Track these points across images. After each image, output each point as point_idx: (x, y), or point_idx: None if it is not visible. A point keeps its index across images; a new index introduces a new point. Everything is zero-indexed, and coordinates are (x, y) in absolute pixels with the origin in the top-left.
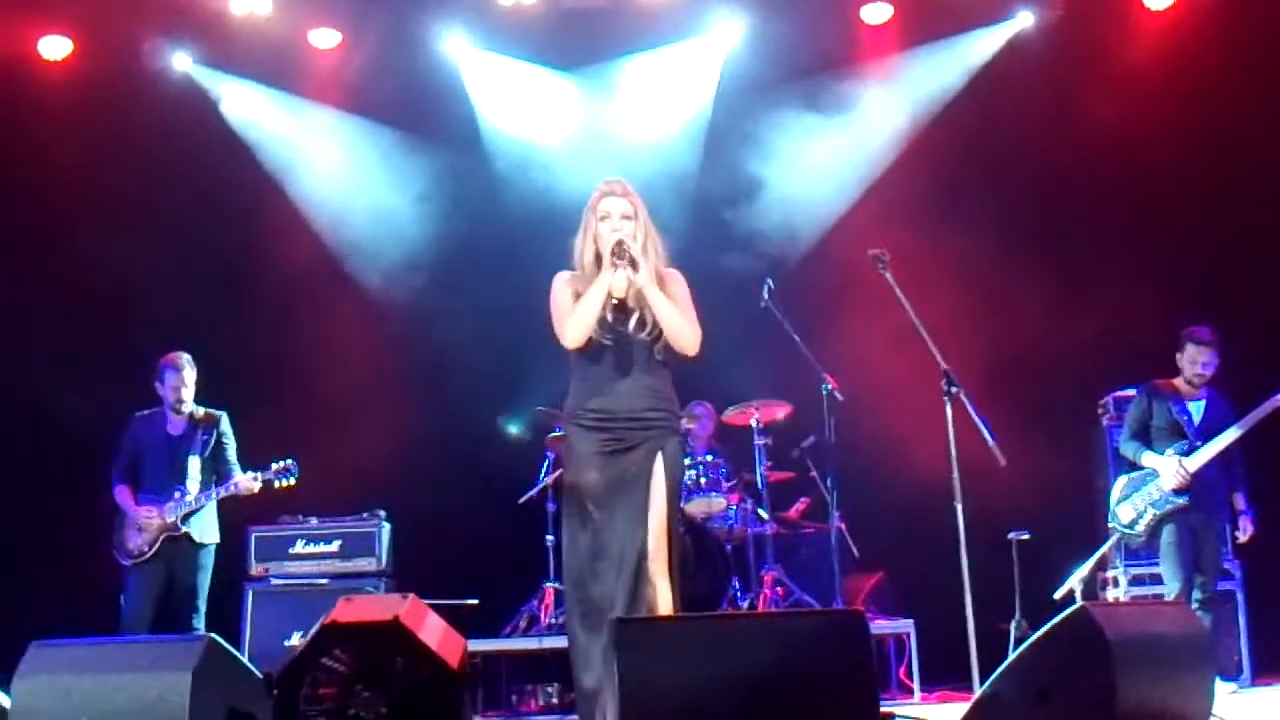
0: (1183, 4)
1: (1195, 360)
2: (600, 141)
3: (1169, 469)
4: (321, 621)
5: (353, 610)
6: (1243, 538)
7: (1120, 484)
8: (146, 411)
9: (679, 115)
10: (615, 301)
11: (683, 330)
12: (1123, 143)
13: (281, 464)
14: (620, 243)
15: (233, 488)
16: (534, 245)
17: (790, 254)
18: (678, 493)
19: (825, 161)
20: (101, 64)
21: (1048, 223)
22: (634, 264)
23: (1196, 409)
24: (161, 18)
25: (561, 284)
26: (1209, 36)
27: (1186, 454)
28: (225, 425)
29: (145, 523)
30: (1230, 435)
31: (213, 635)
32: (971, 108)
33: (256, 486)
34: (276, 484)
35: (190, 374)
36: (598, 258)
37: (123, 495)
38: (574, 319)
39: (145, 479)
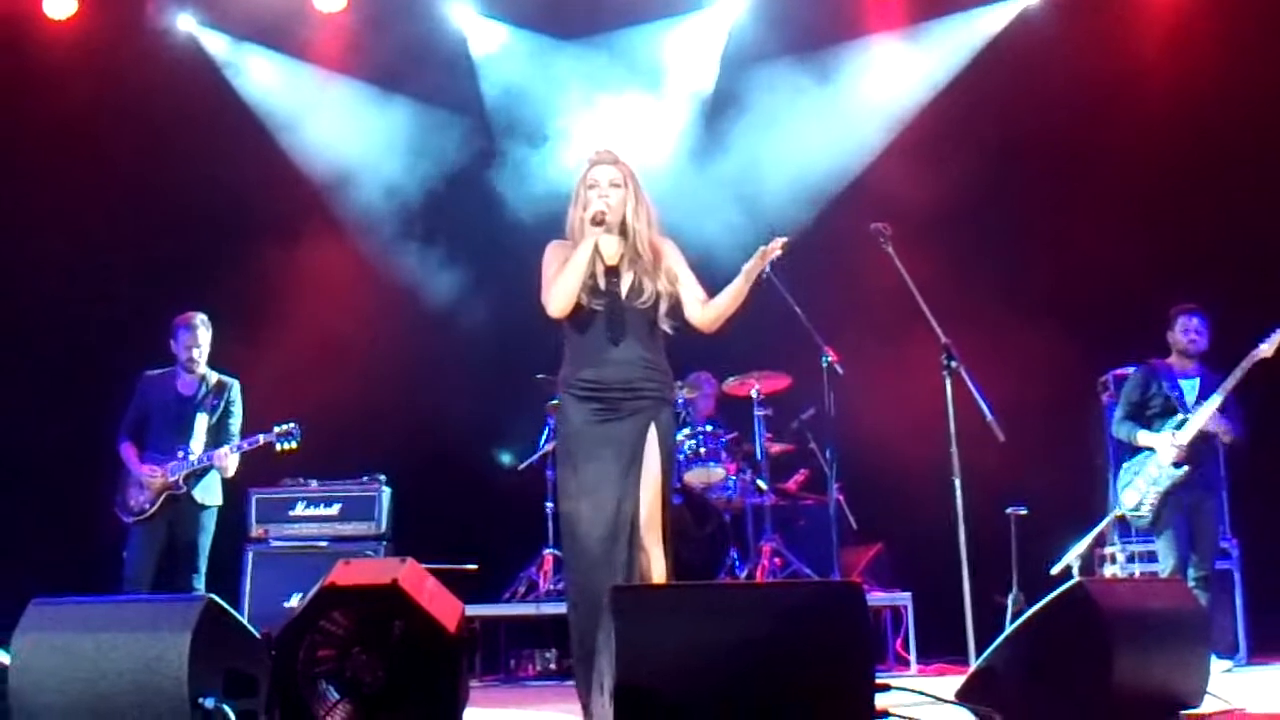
0: None
1: (1186, 328)
2: (602, 112)
3: (1164, 444)
4: (320, 584)
5: (351, 573)
6: (1225, 439)
7: (1123, 471)
8: (157, 371)
9: (682, 86)
10: (606, 267)
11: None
12: (1133, 114)
13: (284, 427)
14: (599, 211)
15: (214, 458)
16: (536, 214)
17: (793, 226)
18: (671, 463)
19: (829, 134)
20: (105, 24)
21: (1057, 194)
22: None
23: (1190, 387)
24: None
25: (552, 252)
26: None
27: (1179, 429)
28: (235, 393)
29: (148, 480)
30: (1214, 402)
31: (212, 596)
32: (980, 81)
33: (230, 464)
34: (278, 447)
35: (205, 334)
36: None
37: (127, 452)
38: (557, 286)
39: (151, 437)
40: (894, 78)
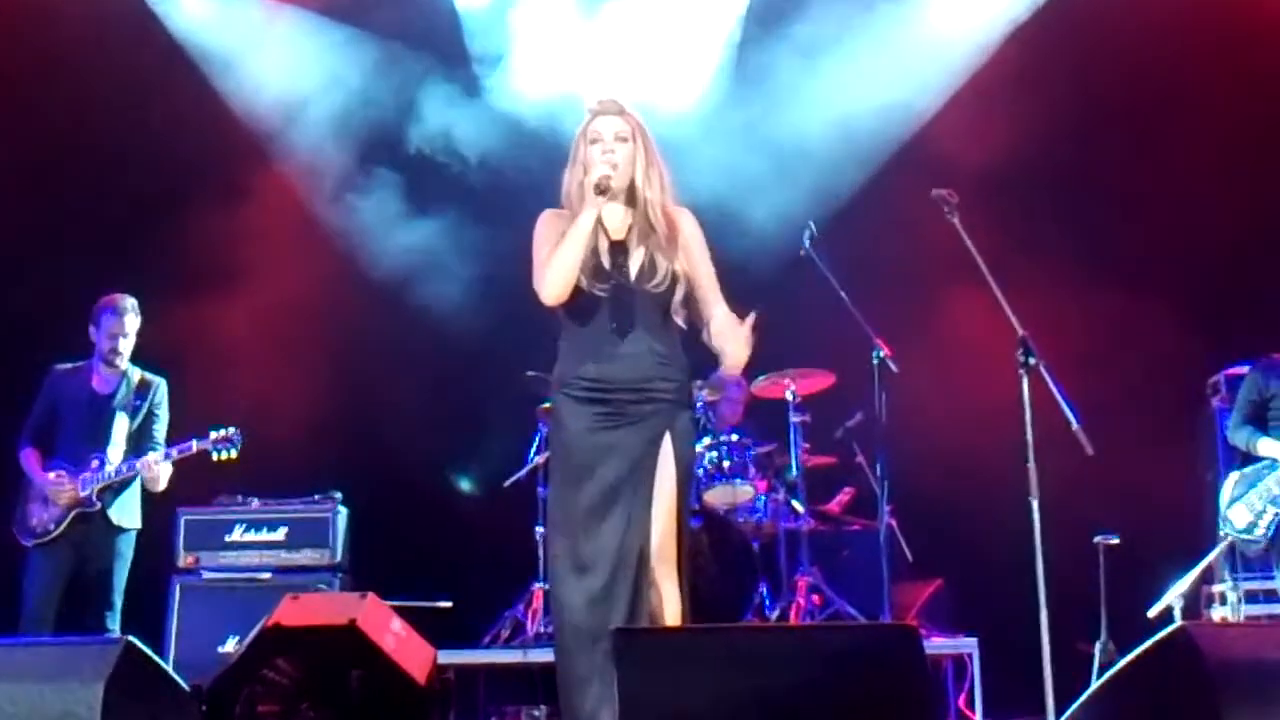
0: None
1: None
2: (608, 59)
3: None
4: (263, 624)
5: (300, 611)
6: None
7: (1231, 481)
8: (69, 365)
9: (703, 23)
10: (611, 242)
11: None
12: (1243, 58)
13: (222, 432)
14: (603, 177)
15: (137, 467)
16: (529, 180)
17: (836, 192)
18: (689, 479)
19: (880, 81)
20: None
21: (1154, 154)
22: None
23: None
24: None
25: (545, 224)
26: None
27: None
28: (162, 394)
29: (54, 492)
30: None
31: (130, 638)
32: (1060, 14)
33: (161, 473)
34: (214, 456)
35: (134, 321)
36: (586, 191)
37: (29, 460)
38: (552, 266)
39: (60, 443)
40: (960, 11)
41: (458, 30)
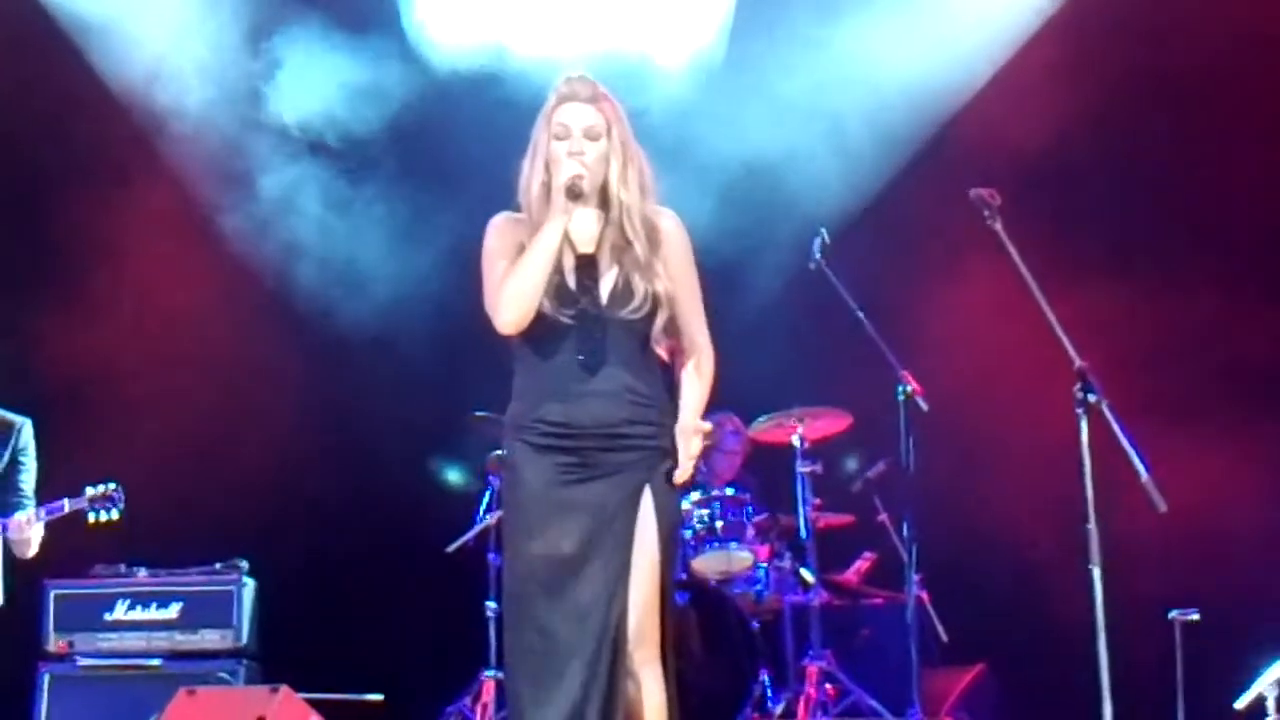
0: None
1: None
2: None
3: None
4: None
5: (197, 710)
6: None
7: None
8: None
9: (693, 12)
10: (578, 258)
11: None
12: None
13: (100, 489)
14: (575, 177)
15: (6, 530)
16: (481, 175)
17: (853, 194)
18: (674, 544)
19: (904, 59)
20: None
21: (1240, 130)
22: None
23: None
24: None
25: (499, 234)
26: None
27: None
28: (27, 438)
29: None
30: None
31: None
32: None
33: (34, 535)
34: (92, 518)
35: None
36: (550, 193)
37: None
38: (508, 291)
39: None
40: None
41: None
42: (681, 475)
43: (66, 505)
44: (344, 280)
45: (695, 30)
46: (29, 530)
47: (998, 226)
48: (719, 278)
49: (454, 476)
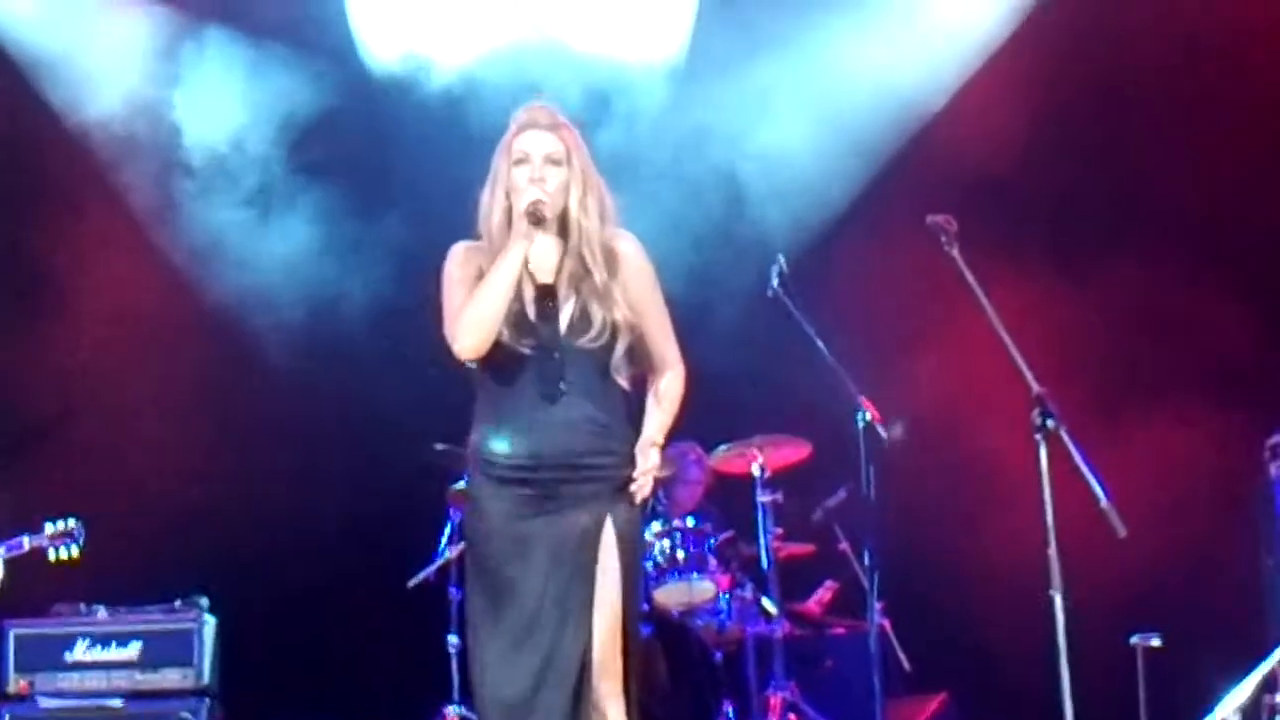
0: None
1: None
2: (533, 56)
3: None
4: None
5: None
6: None
7: None
8: None
9: (647, 14)
10: (538, 288)
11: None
12: None
13: (59, 526)
14: (536, 202)
15: None
16: (439, 205)
17: (811, 220)
18: (637, 576)
19: (866, 80)
20: None
21: (1190, 154)
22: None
23: None
24: None
25: (458, 262)
26: None
27: None
28: None
29: None
30: None
31: None
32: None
33: None
34: (51, 555)
35: None
36: (511, 220)
37: None
38: (467, 317)
39: None
40: None
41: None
42: (639, 490)
43: (26, 543)
44: (301, 318)
45: (652, 46)
46: None
47: (955, 253)
48: (677, 306)
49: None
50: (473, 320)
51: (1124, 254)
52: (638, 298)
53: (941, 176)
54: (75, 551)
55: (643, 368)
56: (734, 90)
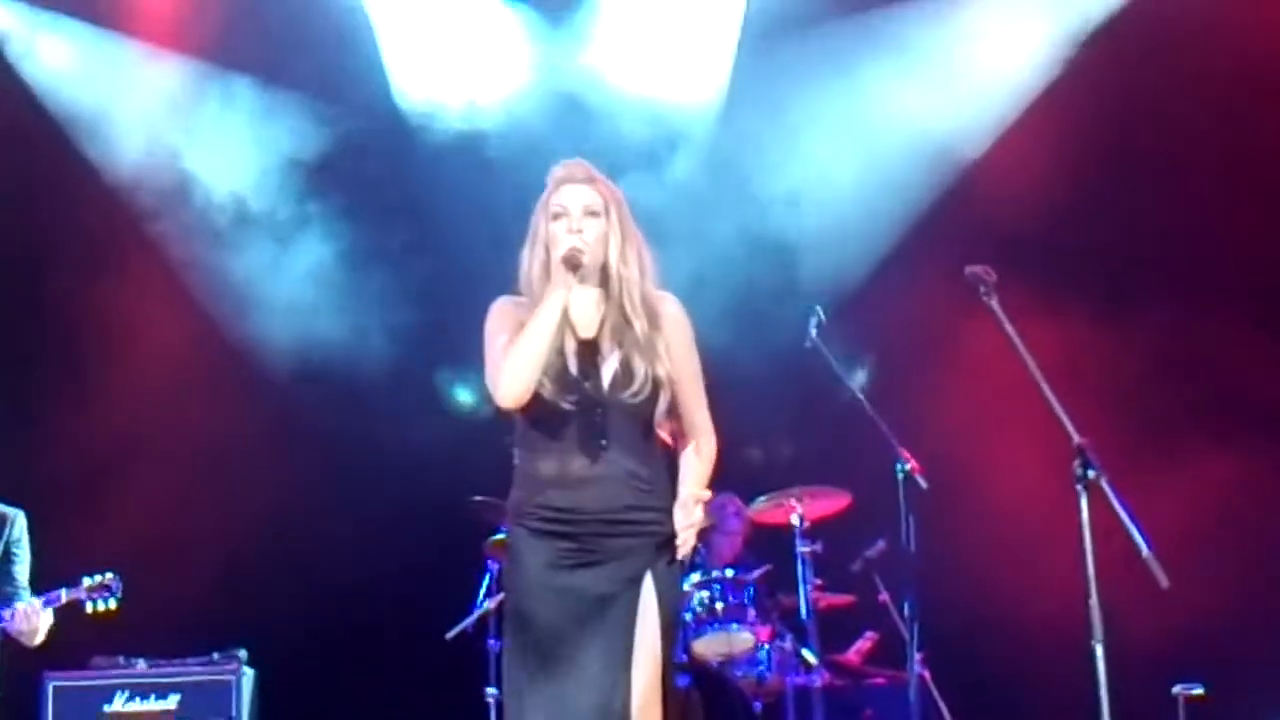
0: None
1: None
2: (570, 108)
3: None
4: None
5: None
6: None
7: None
8: None
9: (685, 67)
10: (579, 343)
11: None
12: None
13: (97, 579)
14: (574, 249)
15: (4, 622)
16: (474, 259)
17: (851, 272)
18: (676, 628)
19: (901, 131)
20: None
21: (1229, 202)
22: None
23: None
24: None
25: (499, 314)
26: None
27: None
28: (21, 529)
29: None
30: None
31: None
32: (1125, 39)
33: (41, 624)
34: (89, 608)
35: None
36: (550, 272)
37: None
38: (509, 363)
39: None
40: (1002, 39)
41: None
42: (682, 546)
43: (64, 595)
44: (338, 365)
45: (690, 89)
46: (36, 620)
47: (994, 303)
48: (716, 357)
49: (464, 396)
50: (514, 367)
51: (1163, 302)
52: (677, 359)
53: (979, 224)
54: (113, 604)
55: (678, 425)
56: (772, 135)
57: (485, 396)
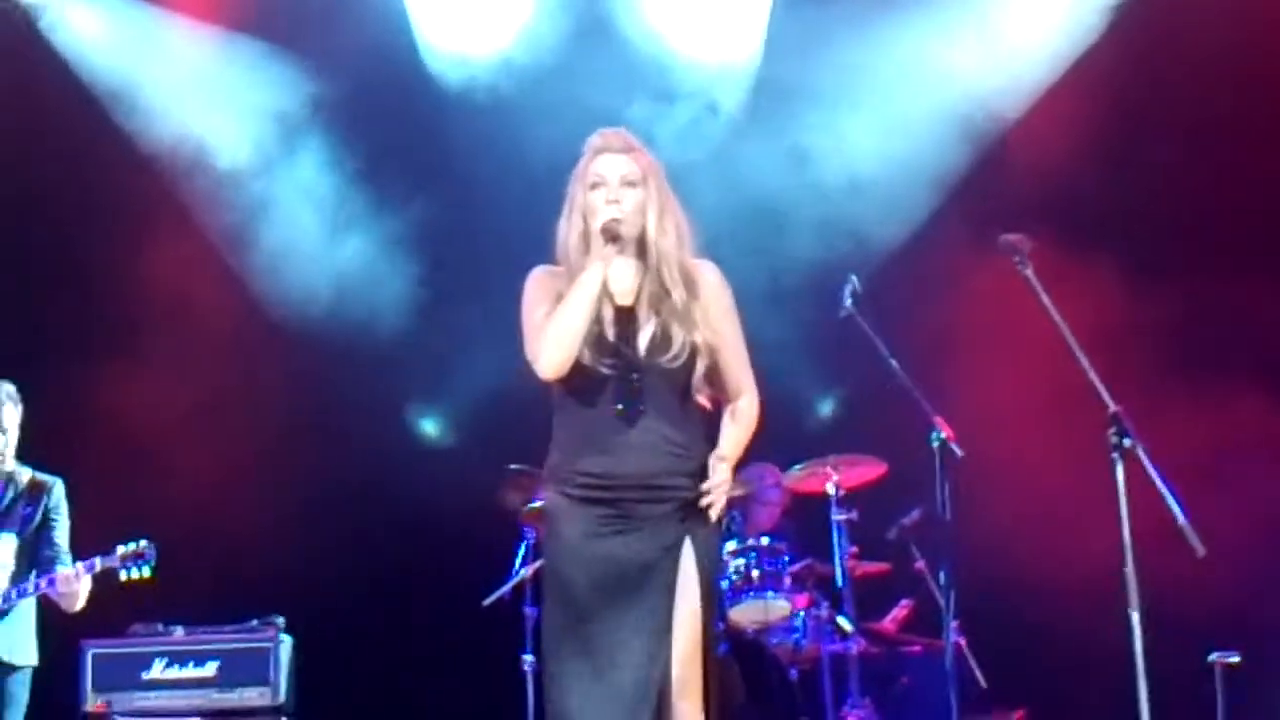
0: None
1: None
2: (602, 73)
3: None
4: None
5: None
6: None
7: None
8: None
9: (720, 27)
10: (617, 309)
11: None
12: None
13: (133, 547)
14: (612, 219)
15: (45, 585)
16: (507, 227)
17: (886, 238)
18: (715, 595)
19: (941, 92)
20: None
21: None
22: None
23: None
24: None
25: (537, 285)
26: None
27: None
28: (58, 496)
29: None
30: None
31: None
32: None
33: (81, 589)
34: (124, 575)
35: (13, 413)
36: (588, 242)
37: None
38: (549, 334)
39: None
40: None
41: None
42: (712, 506)
43: (99, 563)
44: (380, 338)
45: (722, 49)
46: (76, 584)
47: (1029, 272)
48: (750, 324)
49: (430, 428)
50: (554, 337)
51: (1201, 268)
52: (716, 323)
53: (1015, 188)
54: (147, 572)
55: (718, 392)
56: (807, 97)
57: (451, 427)
